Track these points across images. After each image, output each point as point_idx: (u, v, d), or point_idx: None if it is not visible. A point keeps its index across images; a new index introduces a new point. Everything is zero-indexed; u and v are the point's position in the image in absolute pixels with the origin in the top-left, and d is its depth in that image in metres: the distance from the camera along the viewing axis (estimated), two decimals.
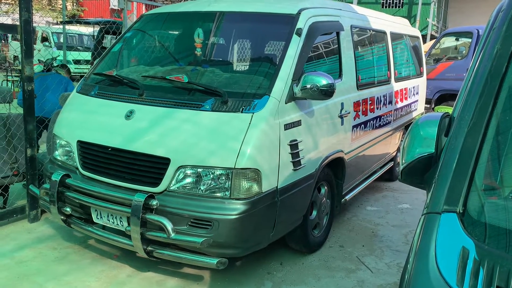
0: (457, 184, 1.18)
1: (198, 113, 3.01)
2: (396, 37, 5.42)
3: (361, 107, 4.32)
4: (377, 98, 4.76)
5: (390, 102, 5.18)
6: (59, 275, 3.31)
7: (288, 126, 3.10)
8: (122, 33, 4.22)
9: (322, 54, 3.91)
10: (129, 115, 3.17)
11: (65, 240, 3.85)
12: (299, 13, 3.43)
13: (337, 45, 3.94)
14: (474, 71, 1.38)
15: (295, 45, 3.25)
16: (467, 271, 1.01)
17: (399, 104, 5.52)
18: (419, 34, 6.57)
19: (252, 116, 2.91)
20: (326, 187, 3.90)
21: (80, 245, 3.78)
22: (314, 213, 3.77)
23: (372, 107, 4.62)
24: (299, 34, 3.30)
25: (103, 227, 3.29)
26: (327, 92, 3.14)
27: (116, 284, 3.23)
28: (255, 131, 2.88)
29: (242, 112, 2.94)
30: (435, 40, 11.24)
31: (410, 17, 19.93)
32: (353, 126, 4.17)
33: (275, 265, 3.62)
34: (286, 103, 3.10)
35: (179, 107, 3.08)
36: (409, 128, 1.61)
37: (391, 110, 5.25)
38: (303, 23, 3.38)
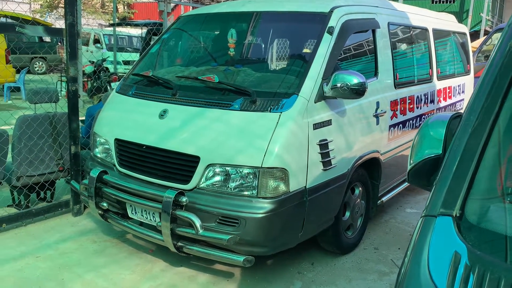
0: (456, 187, 1.13)
1: (227, 112, 3.06)
2: (439, 33, 5.23)
3: (399, 106, 4.21)
4: (417, 97, 4.62)
5: (432, 101, 5.00)
6: (97, 267, 3.46)
7: (317, 126, 3.08)
8: (160, 34, 4.35)
9: (357, 52, 3.84)
10: (162, 114, 3.27)
11: (105, 234, 4.02)
12: (331, 11, 3.40)
13: (372, 43, 3.86)
14: (486, 69, 1.32)
15: (326, 44, 3.22)
16: (457, 277, 0.97)
17: (442, 103, 5.32)
18: (466, 30, 6.30)
19: (280, 116, 2.92)
20: (360, 188, 3.84)
21: (118, 239, 3.93)
22: (347, 214, 3.72)
23: (411, 106, 4.49)
24: (330, 33, 3.26)
25: (141, 223, 3.40)
26: (358, 91, 3.08)
27: (149, 277, 3.34)
28: (283, 131, 2.88)
29: (270, 111, 2.95)
30: (486, 36, 10.72)
31: (463, 12, 19.10)
32: (390, 126, 4.07)
33: (306, 265, 3.60)
34: (315, 102, 3.08)
35: (209, 107, 3.14)
36: (419, 128, 1.56)
37: (433, 110, 5.07)
38: (335, 22, 3.34)
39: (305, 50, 3.44)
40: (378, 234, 4.23)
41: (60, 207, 4.35)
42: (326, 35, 3.26)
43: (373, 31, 3.85)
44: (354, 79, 3.04)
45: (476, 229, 1.10)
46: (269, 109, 2.96)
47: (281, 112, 2.93)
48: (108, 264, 3.52)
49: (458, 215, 1.11)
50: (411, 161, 1.50)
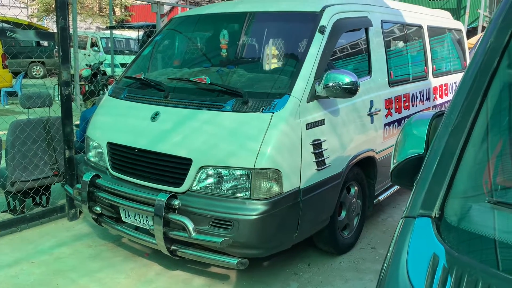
0: (435, 187, 1.11)
1: (219, 114, 3.03)
2: (434, 30, 5.20)
3: (394, 105, 4.19)
4: (413, 94, 4.59)
5: (428, 99, 4.98)
6: (91, 272, 3.44)
7: (310, 126, 3.06)
8: (152, 36, 4.32)
9: (350, 51, 3.82)
10: (154, 117, 3.25)
11: (100, 238, 3.99)
12: (322, 10, 3.38)
13: (366, 41, 3.84)
14: (468, 66, 1.29)
15: (318, 43, 3.20)
16: (435, 279, 0.95)
17: (439, 101, 5.29)
18: (461, 26, 6.28)
19: (271, 116, 2.89)
20: (356, 187, 3.81)
21: (114, 243, 3.91)
22: (343, 213, 3.69)
23: (406, 104, 4.47)
24: (322, 32, 3.24)
25: (136, 228, 3.37)
26: (350, 90, 3.06)
27: (144, 281, 3.32)
28: (275, 131, 2.86)
29: (262, 112, 2.93)
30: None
31: (460, 9, 19.05)
32: (385, 124, 4.05)
33: (303, 266, 3.58)
34: (307, 102, 3.05)
35: (201, 108, 3.12)
36: (402, 127, 1.54)
37: (429, 107, 5.05)
38: (326, 21, 3.31)
39: (297, 50, 3.42)
40: (376, 233, 4.20)
41: (56, 212, 4.32)
42: (317, 34, 3.24)
43: (366, 30, 3.83)
44: (346, 78, 3.02)
45: (455, 230, 1.07)
46: (261, 109, 2.94)
47: (273, 113, 2.91)
48: (103, 268, 3.50)
49: (437, 216, 1.08)
50: (394, 161, 1.47)
